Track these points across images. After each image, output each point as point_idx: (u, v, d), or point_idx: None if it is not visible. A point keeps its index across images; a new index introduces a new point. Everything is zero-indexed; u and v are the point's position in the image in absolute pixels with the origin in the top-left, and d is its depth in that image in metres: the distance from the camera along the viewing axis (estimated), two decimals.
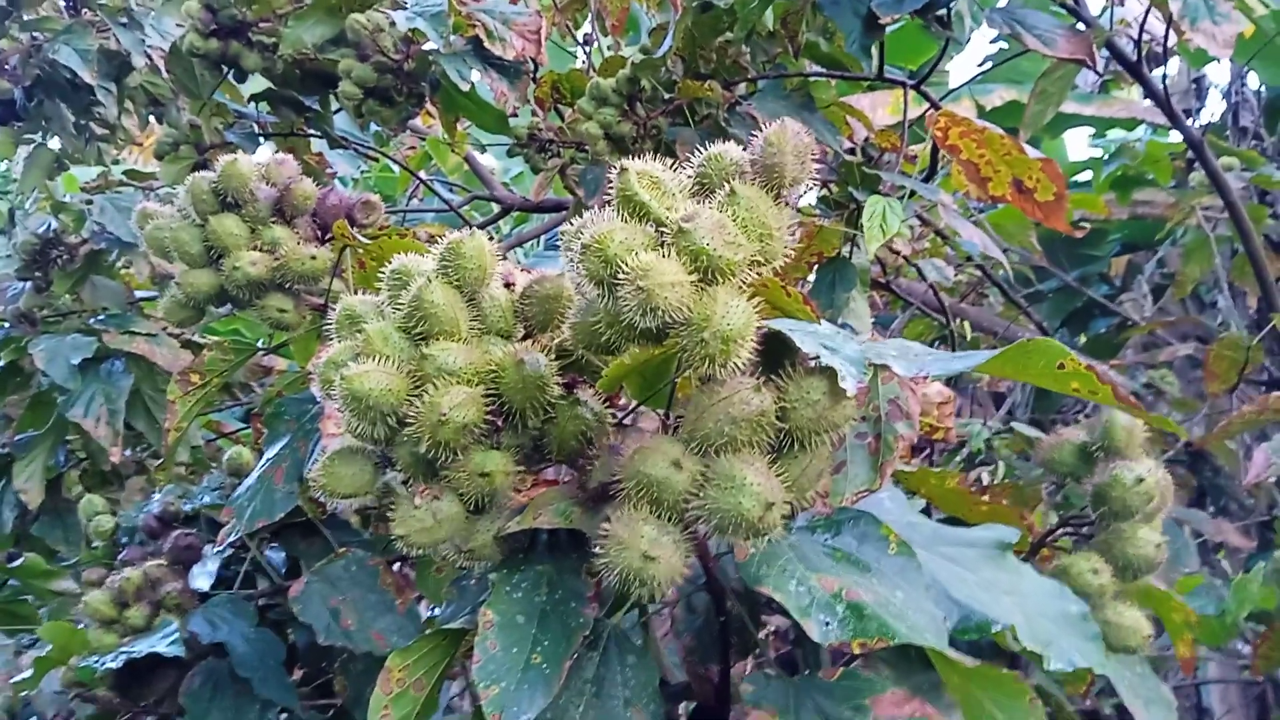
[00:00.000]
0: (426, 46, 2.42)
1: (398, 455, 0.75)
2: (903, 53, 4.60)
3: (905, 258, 3.08)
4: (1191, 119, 4.97)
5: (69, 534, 2.80)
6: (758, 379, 0.67)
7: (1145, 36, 2.59)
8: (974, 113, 5.35)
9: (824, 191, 2.54)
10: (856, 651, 0.63)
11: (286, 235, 1.15)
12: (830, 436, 0.70)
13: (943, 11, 2.22)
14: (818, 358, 0.65)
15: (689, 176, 0.72)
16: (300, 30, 2.41)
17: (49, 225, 2.57)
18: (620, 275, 0.63)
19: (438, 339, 0.75)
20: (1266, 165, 3.73)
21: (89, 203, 2.64)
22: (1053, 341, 0.66)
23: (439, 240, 1.09)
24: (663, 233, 0.65)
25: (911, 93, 2.39)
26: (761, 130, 1.87)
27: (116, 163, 3.95)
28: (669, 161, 0.71)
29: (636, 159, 0.69)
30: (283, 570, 1.63)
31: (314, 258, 1.13)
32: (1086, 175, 4.78)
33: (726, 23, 2.37)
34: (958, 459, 3.96)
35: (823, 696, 0.72)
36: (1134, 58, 2.46)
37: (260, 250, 1.14)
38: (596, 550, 0.67)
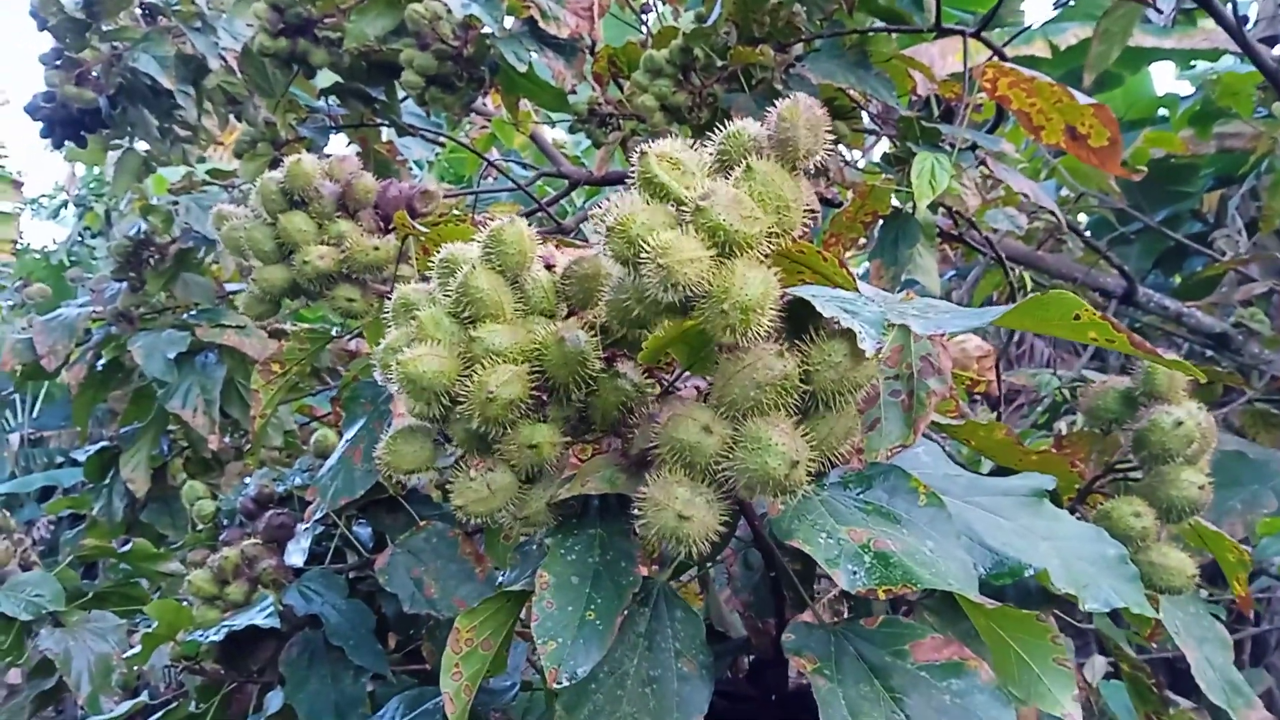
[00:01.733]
0: (484, 31, 2.47)
1: (453, 431, 0.80)
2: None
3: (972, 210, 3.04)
4: (1277, 45, 4.77)
5: (175, 519, 2.97)
6: (781, 344, 0.71)
7: None
8: (1049, 52, 5.23)
9: (889, 148, 2.53)
10: (882, 597, 0.67)
11: (351, 228, 1.22)
12: (855, 396, 0.73)
13: None
14: (837, 320, 0.69)
15: (710, 154, 0.76)
16: (363, 24, 2.48)
17: (139, 227, 2.70)
18: (643, 254, 0.67)
19: (484, 321, 0.80)
20: None
21: (176, 204, 2.77)
22: (1066, 293, 0.68)
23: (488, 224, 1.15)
24: (682, 212, 0.69)
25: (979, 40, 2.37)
26: (814, 87, 1.88)
27: (202, 161, 4.11)
28: (691, 141, 0.75)
29: (660, 140, 0.72)
30: (369, 544, 1.71)
31: (377, 248, 1.19)
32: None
33: None
34: (1041, 409, 3.91)
35: (864, 642, 0.76)
36: None
37: (327, 244, 1.21)
38: (636, 511, 0.71)
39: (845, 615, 1.03)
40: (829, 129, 0.72)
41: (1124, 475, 0.98)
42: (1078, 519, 0.96)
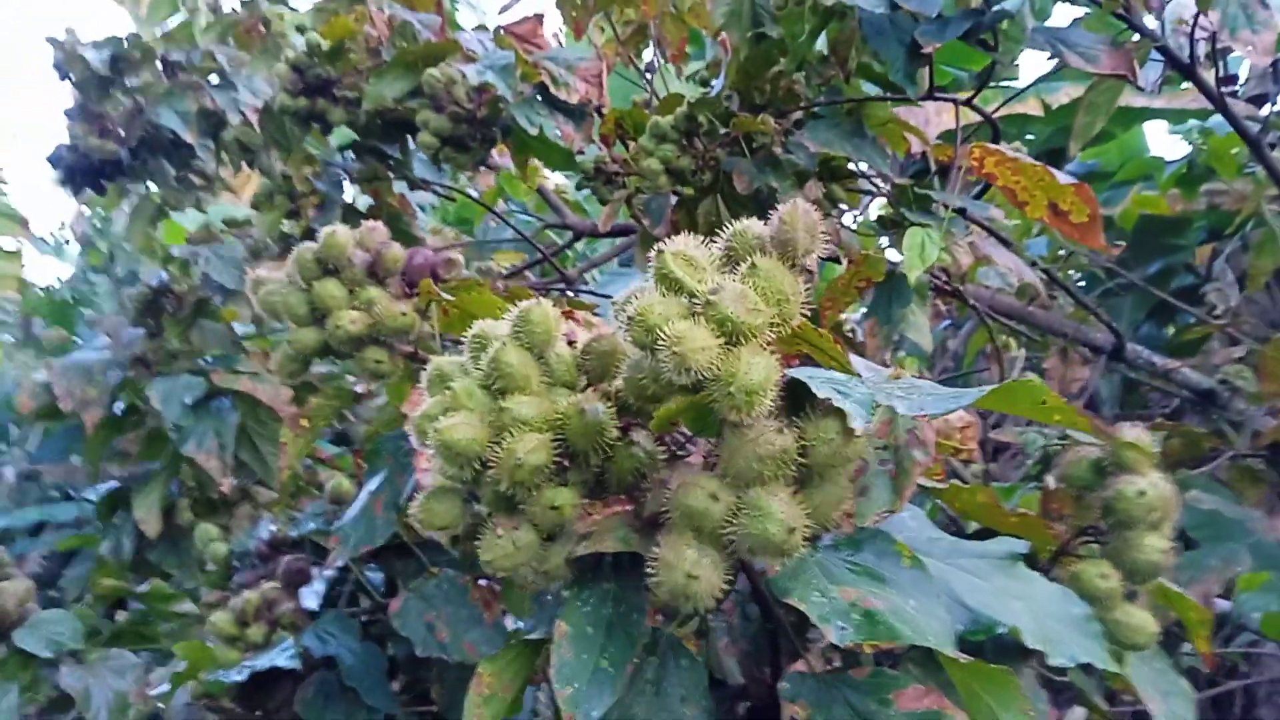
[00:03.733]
0: (497, 94, 2.58)
1: (482, 493, 0.89)
2: (963, 57, 4.64)
3: (965, 268, 3.14)
4: (1270, 103, 4.91)
5: (182, 559, 3.03)
6: (781, 421, 0.79)
7: (1203, 33, 2.63)
8: (1041, 110, 5.37)
9: (882, 211, 2.64)
10: (868, 651, 0.75)
11: (380, 295, 1.31)
12: (847, 469, 0.81)
13: (988, 34, 2.31)
14: (831, 401, 0.77)
15: (719, 249, 0.85)
16: (381, 86, 2.59)
17: (160, 277, 2.79)
18: (659, 342, 0.75)
19: (513, 393, 0.88)
20: None
21: (196, 253, 2.86)
22: (1033, 381, 0.77)
23: (512, 295, 1.24)
24: (694, 303, 0.78)
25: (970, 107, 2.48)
26: (811, 154, 1.98)
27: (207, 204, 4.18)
28: (702, 239, 0.84)
29: (673, 238, 0.81)
30: (381, 589, 1.79)
31: (404, 314, 1.28)
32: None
33: (778, 55, 2.49)
34: (1031, 461, 4.00)
35: (851, 691, 0.84)
36: (1186, 58, 2.51)
37: (358, 309, 1.30)
38: (648, 570, 0.79)
39: (836, 665, 1.11)
40: (825, 232, 0.81)
41: (1094, 539, 1.07)
42: (1051, 578, 1.05)
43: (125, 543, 3.09)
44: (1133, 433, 1.02)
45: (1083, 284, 5.05)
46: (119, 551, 3.11)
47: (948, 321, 4.59)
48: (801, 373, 0.81)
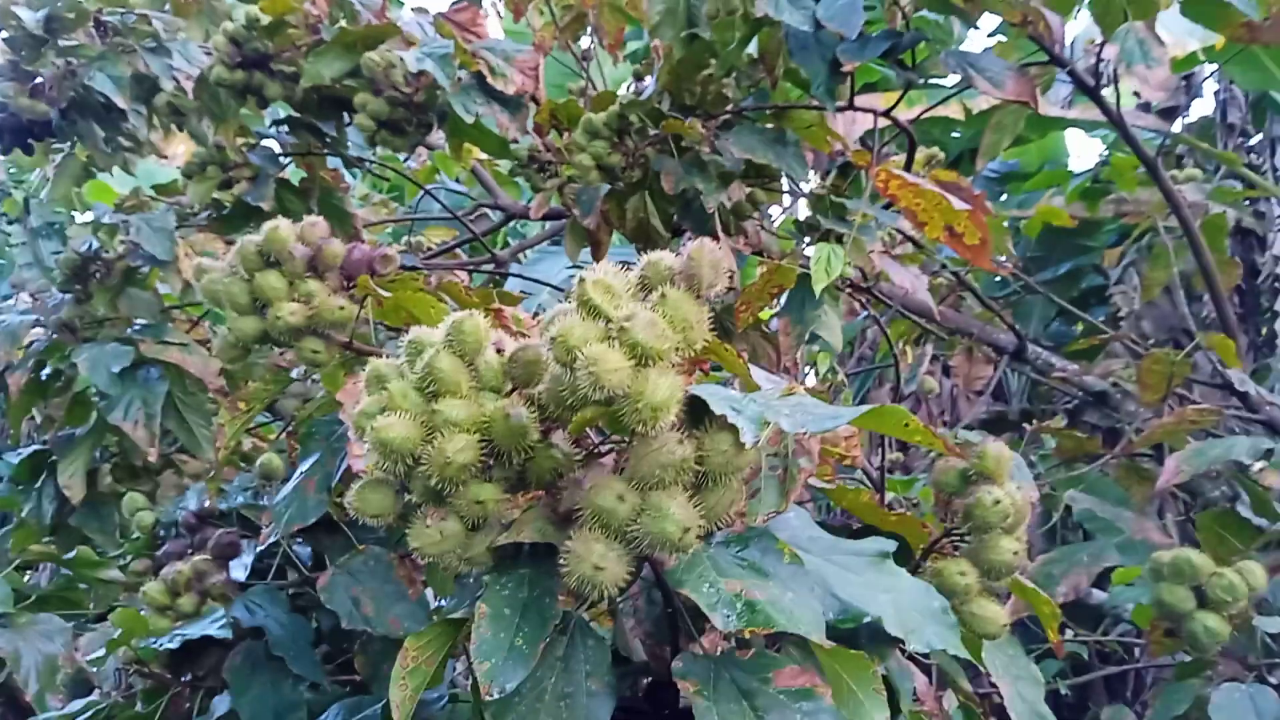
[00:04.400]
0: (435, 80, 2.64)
1: (414, 486, 0.98)
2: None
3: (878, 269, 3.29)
4: (1179, 117, 5.17)
5: (104, 524, 3.05)
6: (682, 433, 0.90)
7: (1106, 59, 2.80)
8: (961, 114, 5.55)
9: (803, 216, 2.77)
10: (747, 637, 0.87)
11: (319, 288, 1.38)
12: (738, 476, 0.93)
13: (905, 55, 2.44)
14: (724, 416, 0.88)
15: (635, 278, 0.95)
16: (320, 66, 2.63)
17: (89, 243, 2.80)
18: (578, 362, 0.86)
19: (444, 397, 0.98)
20: (1245, 167, 3.95)
21: (124, 222, 2.87)
22: (897, 408, 0.89)
23: (443, 290, 1.32)
24: (610, 328, 0.88)
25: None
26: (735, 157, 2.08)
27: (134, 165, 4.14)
28: (620, 266, 0.94)
29: (593, 268, 0.92)
30: (309, 563, 1.87)
31: (343, 308, 1.36)
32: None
33: (709, 58, 2.59)
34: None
35: (737, 670, 0.96)
36: (1091, 81, 2.68)
37: (297, 301, 1.37)
38: (560, 560, 0.90)
39: (731, 647, 1.23)
40: (729, 268, 0.92)
41: (960, 538, 1.20)
42: (920, 573, 1.18)
43: (46, 506, 3.10)
44: (995, 447, 1.15)
45: (998, 280, 5.27)
46: (40, 515, 3.12)
47: (865, 314, 4.77)
48: (703, 390, 0.92)
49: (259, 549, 1.84)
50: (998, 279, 5.37)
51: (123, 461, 3.11)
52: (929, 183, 1.73)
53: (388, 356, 1.08)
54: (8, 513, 3.54)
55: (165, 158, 3.98)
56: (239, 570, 1.81)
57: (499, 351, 1.03)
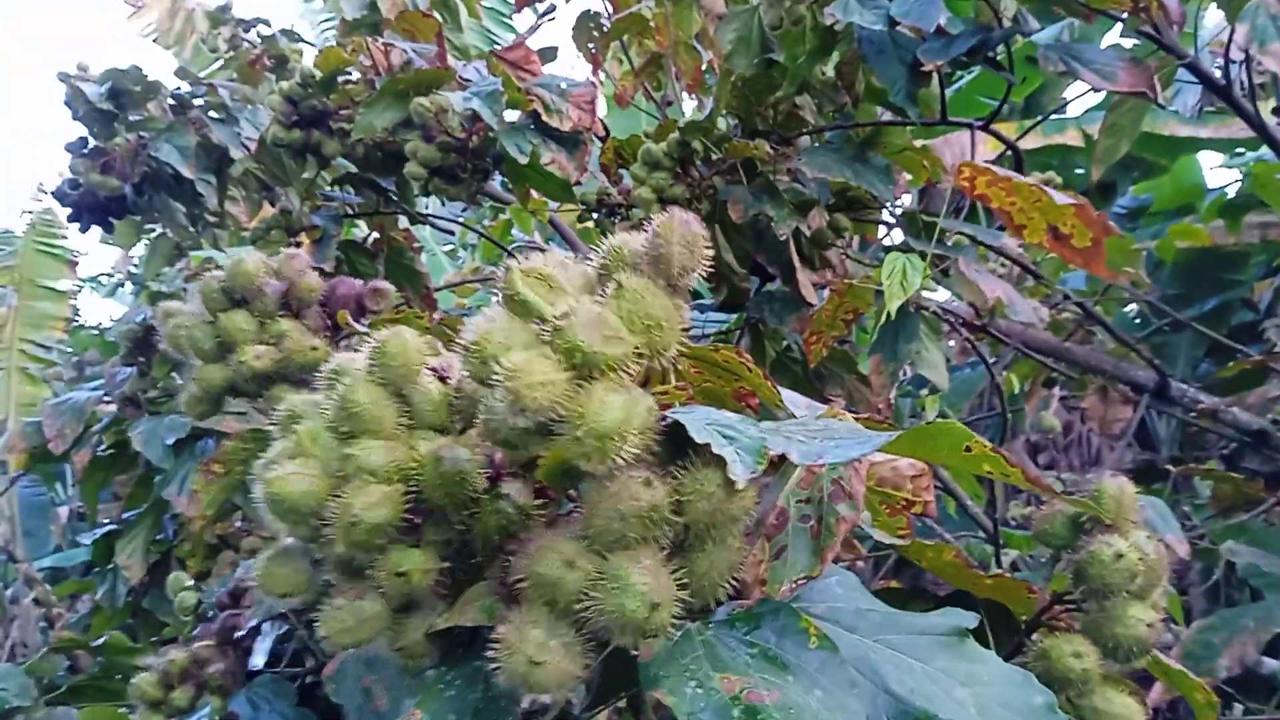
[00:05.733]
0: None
1: (324, 555, 0.76)
2: (1000, 87, 4.48)
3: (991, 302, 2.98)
4: None
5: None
6: (652, 472, 0.66)
7: (1240, 57, 2.47)
8: (1081, 141, 5.17)
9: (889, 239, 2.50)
10: None
11: (293, 327, 1.20)
12: (734, 528, 0.67)
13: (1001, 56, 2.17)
14: (708, 446, 0.64)
15: (594, 267, 0.72)
16: (370, 116, 2.51)
17: (148, 314, 2.72)
18: (495, 376, 0.63)
19: (361, 437, 0.76)
20: None
21: (185, 289, 2.79)
22: (954, 424, 0.62)
23: (447, 327, 1.11)
24: (543, 330, 0.65)
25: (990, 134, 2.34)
26: (823, 182, 1.83)
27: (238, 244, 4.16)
28: (574, 257, 0.71)
29: (533, 256, 0.69)
30: None
31: (315, 349, 1.17)
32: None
33: (779, 78, 2.37)
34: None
35: None
36: (1222, 79, 2.35)
37: (267, 344, 1.19)
38: (488, 653, 0.66)
39: None
40: (708, 245, 0.68)
41: (1075, 606, 0.91)
42: (1024, 654, 0.89)
43: (120, 589, 3.01)
44: (1113, 484, 0.86)
45: (1138, 321, 4.82)
46: (113, 598, 3.03)
47: (974, 360, 4.40)
48: (681, 412, 0.67)
49: (280, 630, 1.64)
50: (1135, 318, 4.92)
51: (199, 541, 3.00)
52: (1022, 176, 1.45)
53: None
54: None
55: (247, 230, 3.96)
56: (259, 655, 1.62)
57: (443, 380, 0.81)
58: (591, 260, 0.72)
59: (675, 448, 0.69)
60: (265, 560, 0.79)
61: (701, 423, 0.66)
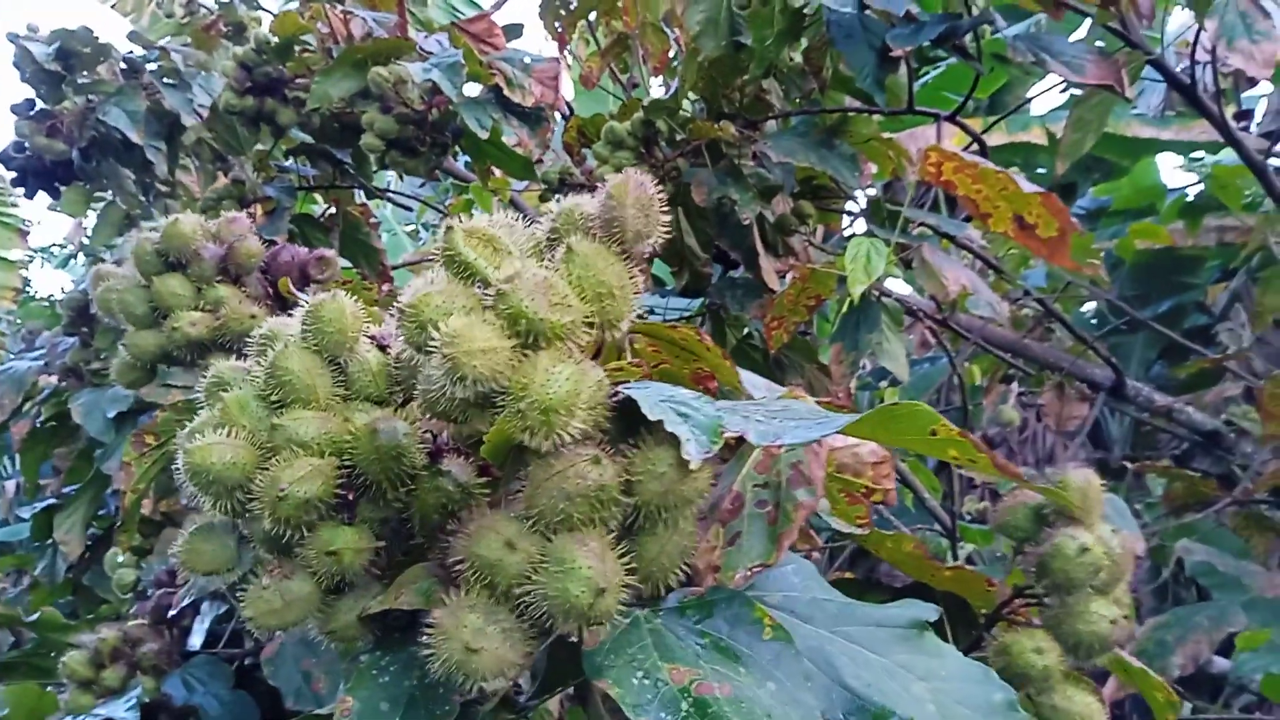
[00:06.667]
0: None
1: (250, 531, 0.71)
2: (967, 81, 4.48)
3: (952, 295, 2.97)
4: None
5: None
6: (600, 449, 0.62)
7: (1206, 54, 2.46)
8: (1045, 139, 5.18)
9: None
10: None
11: (231, 294, 1.14)
12: (687, 510, 0.64)
13: (968, 41, 2.14)
14: (660, 423, 0.60)
15: (543, 232, 0.68)
16: (327, 85, 2.44)
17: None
18: (432, 342, 0.58)
19: (293, 407, 0.71)
20: None
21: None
22: (920, 406, 0.59)
23: (394, 299, 1.06)
24: (486, 294, 0.61)
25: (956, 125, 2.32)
26: (788, 168, 1.79)
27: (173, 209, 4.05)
28: (519, 218, 0.67)
29: (472, 216, 0.64)
30: None
31: (253, 317, 1.12)
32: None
33: (747, 61, 2.33)
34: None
35: None
36: (1187, 79, 2.34)
37: (203, 310, 1.13)
38: (422, 639, 0.62)
39: None
40: (664, 209, 0.64)
41: (1037, 600, 0.88)
42: (982, 648, 0.87)
43: (59, 565, 2.93)
44: (1078, 476, 0.84)
45: (1094, 320, 4.84)
46: (53, 574, 2.95)
47: (942, 357, 4.40)
48: (634, 388, 0.63)
49: (218, 611, 1.58)
50: (1091, 318, 4.94)
51: (140, 517, 2.92)
52: (989, 164, 1.43)
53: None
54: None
55: (198, 199, 3.86)
56: (196, 635, 1.56)
57: (383, 349, 0.76)
58: (541, 223, 0.68)
59: (626, 425, 0.65)
60: (188, 535, 0.74)
61: (655, 399, 0.62)
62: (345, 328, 0.73)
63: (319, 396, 0.72)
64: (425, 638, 0.62)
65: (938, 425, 0.59)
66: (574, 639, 0.69)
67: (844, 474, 0.90)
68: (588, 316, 0.61)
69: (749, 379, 0.81)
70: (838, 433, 0.61)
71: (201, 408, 0.90)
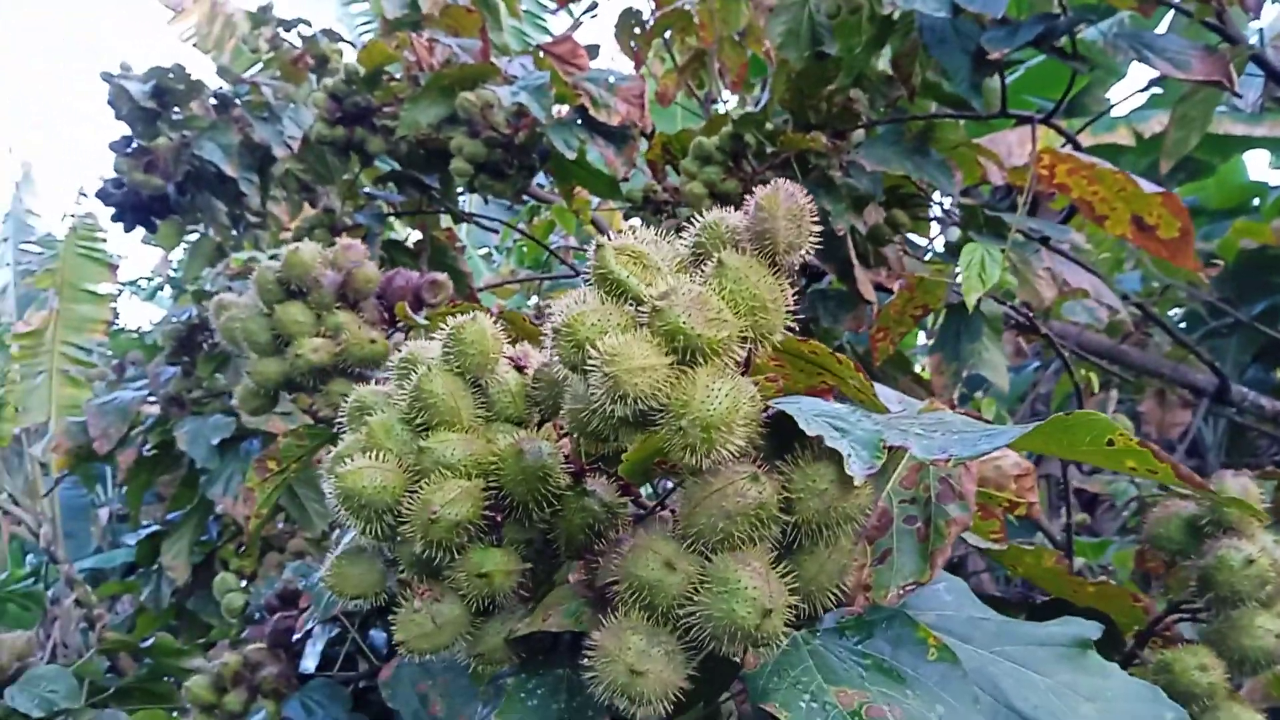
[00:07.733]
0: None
1: (399, 554, 0.71)
2: (1050, 84, 4.40)
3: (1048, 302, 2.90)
4: None
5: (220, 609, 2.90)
6: (760, 466, 0.60)
7: None
8: (1132, 140, 5.06)
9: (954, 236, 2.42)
10: None
11: (350, 320, 1.15)
12: (847, 528, 0.62)
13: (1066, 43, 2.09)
14: (819, 439, 0.58)
15: (686, 247, 0.67)
16: (416, 112, 2.47)
17: (192, 313, 2.70)
18: (591, 361, 0.58)
19: (438, 430, 0.71)
20: None
21: (230, 288, 2.77)
22: (1096, 415, 0.57)
23: (506, 321, 1.06)
24: (640, 312, 0.60)
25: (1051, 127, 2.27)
26: (875, 177, 1.76)
27: (279, 245, 4.15)
28: (669, 231, 0.66)
29: (621, 233, 0.64)
30: (385, 650, 1.62)
31: (374, 341, 1.13)
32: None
33: (834, 70, 2.31)
34: (1129, 512, 3.66)
35: None
36: None
37: (324, 336, 1.14)
38: (584, 661, 0.61)
39: None
40: (815, 219, 0.63)
41: (1192, 615, 0.85)
42: (1135, 666, 0.83)
43: (164, 590, 2.99)
44: (1237, 484, 0.80)
45: (1183, 325, 4.69)
46: (158, 599, 3.02)
47: (1036, 364, 4.29)
48: (788, 403, 0.62)
49: (330, 634, 1.60)
50: (1179, 321, 4.79)
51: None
52: (1107, 164, 1.38)
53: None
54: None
55: (288, 230, 3.95)
56: (310, 659, 1.58)
57: (520, 370, 0.76)
58: (684, 239, 0.67)
59: (779, 441, 0.64)
60: (336, 560, 0.74)
61: (810, 414, 0.61)
62: (487, 349, 0.72)
63: (463, 418, 0.72)
64: (585, 660, 0.61)
65: (1114, 435, 0.57)
66: (717, 661, 0.68)
67: (986, 487, 0.88)
68: (742, 331, 0.60)
69: (883, 392, 0.79)
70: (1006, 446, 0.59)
71: (327, 434, 0.90)
